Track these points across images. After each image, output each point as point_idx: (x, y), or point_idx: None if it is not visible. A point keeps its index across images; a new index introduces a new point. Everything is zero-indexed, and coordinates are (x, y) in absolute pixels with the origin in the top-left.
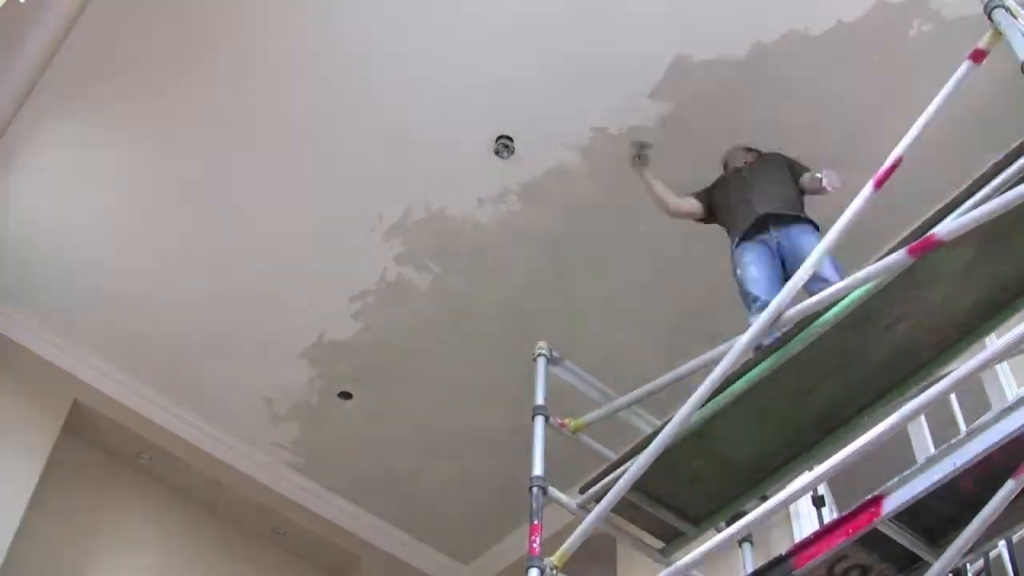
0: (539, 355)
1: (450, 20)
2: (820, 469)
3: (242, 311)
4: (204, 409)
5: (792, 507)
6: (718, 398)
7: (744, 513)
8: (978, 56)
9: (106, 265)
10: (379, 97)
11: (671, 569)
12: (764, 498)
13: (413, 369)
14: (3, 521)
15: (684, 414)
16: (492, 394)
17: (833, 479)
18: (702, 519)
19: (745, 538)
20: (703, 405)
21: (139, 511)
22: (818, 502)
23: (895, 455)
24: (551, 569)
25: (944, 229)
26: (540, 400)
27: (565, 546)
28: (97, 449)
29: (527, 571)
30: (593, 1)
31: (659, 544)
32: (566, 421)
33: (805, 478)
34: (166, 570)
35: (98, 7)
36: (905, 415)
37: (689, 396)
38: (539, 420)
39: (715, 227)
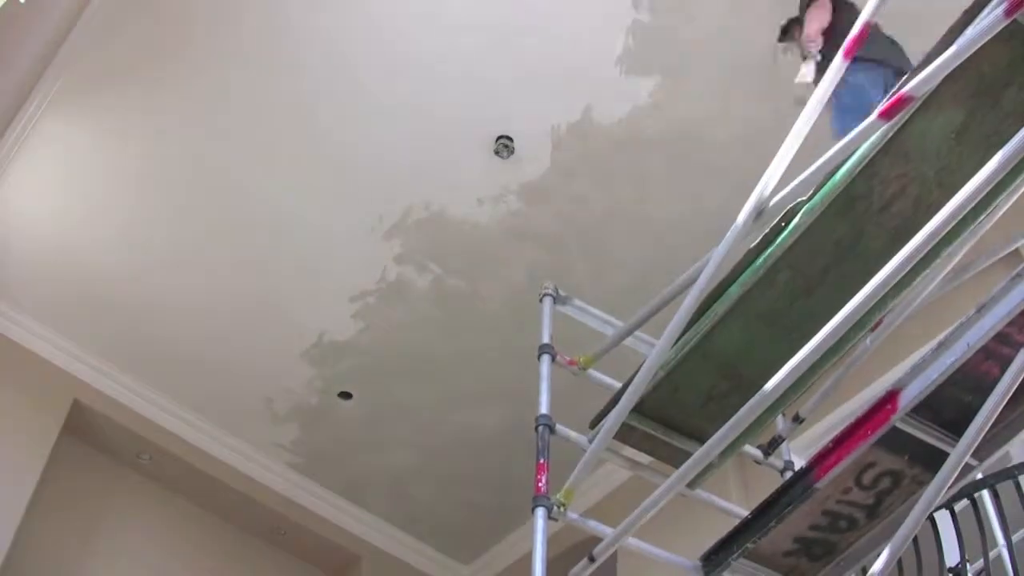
0: (545, 295)
1: (450, 21)
2: None
3: (242, 311)
4: (204, 409)
5: None
6: (714, 307)
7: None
8: None
9: (106, 265)
10: (379, 98)
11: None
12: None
13: (413, 369)
14: (3, 521)
15: (675, 325)
16: (492, 394)
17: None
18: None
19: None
20: (700, 317)
21: (139, 511)
22: None
23: None
24: (558, 507)
25: (911, 84)
26: (546, 339)
27: (571, 481)
28: (97, 449)
29: (533, 511)
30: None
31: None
32: (575, 358)
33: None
34: (166, 570)
35: (98, 7)
36: None
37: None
38: (545, 358)
39: (709, 228)
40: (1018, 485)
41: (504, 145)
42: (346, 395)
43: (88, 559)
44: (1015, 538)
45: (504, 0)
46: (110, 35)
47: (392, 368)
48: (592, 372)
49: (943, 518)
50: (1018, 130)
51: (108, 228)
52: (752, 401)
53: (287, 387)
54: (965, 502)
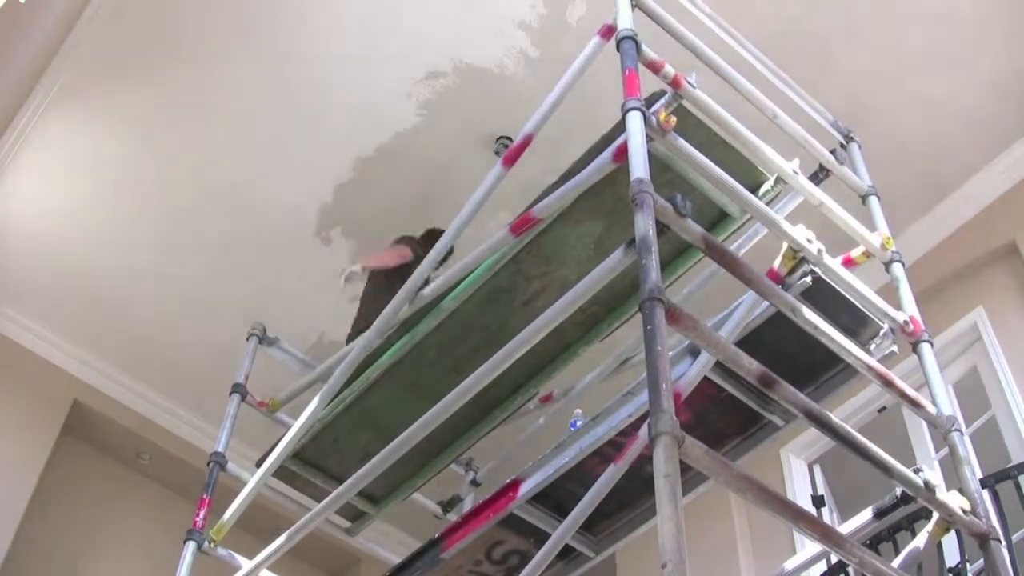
0: (251, 335)
1: (450, 21)
2: None
3: (243, 313)
4: (204, 409)
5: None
6: (367, 372)
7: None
8: (607, 33)
9: (107, 265)
10: (379, 97)
11: None
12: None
13: None
14: (3, 521)
15: (332, 384)
16: None
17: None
18: (381, 498)
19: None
20: (353, 380)
21: (139, 511)
22: (817, 502)
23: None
24: (209, 543)
25: (537, 207)
26: (240, 379)
27: (224, 519)
28: (97, 449)
29: (184, 543)
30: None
31: (346, 524)
32: (266, 400)
33: None
34: (166, 570)
35: (98, 7)
36: None
37: None
38: (235, 398)
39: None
40: (1018, 485)
41: (504, 145)
42: None
43: (88, 559)
44: (1015, 538)
45: (511, 3)
46: (109, 35)
47: None
48: (279, 414)
49: None
50: None
51: (108, 228)
52: (376, 458)
53: (287, 388)
54: None
